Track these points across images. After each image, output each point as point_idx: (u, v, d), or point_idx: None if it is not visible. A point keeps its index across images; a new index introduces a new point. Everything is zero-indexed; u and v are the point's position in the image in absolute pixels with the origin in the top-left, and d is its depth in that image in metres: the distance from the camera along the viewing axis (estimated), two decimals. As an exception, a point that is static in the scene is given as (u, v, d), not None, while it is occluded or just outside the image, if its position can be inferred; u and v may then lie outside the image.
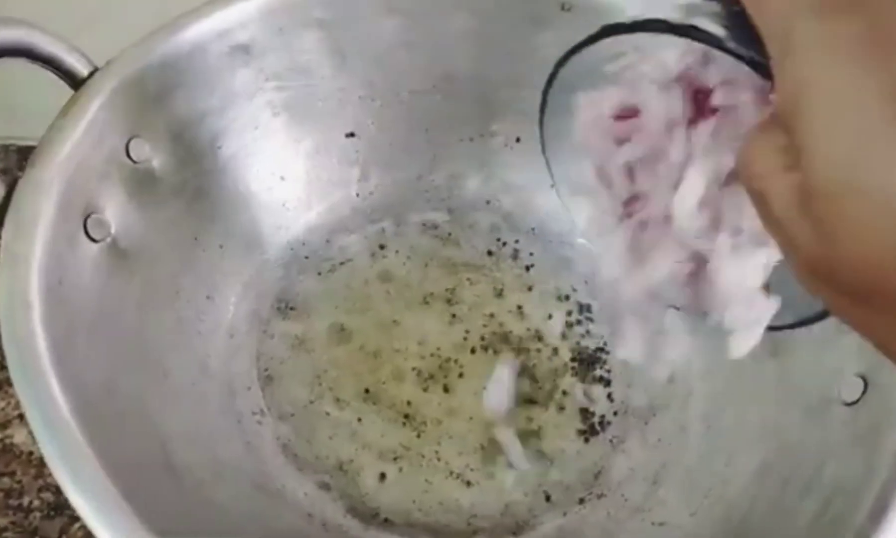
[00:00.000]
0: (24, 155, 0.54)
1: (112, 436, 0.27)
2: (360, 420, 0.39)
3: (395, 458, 0.38)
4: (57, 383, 0.26)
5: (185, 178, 0.39)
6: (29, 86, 0.42)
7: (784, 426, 0.35)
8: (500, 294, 0.45)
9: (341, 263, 0.45)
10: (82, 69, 0.34)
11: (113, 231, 0.34)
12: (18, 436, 0.43)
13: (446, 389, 0.40)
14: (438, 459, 0.38)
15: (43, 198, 0.30)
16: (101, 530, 0.24)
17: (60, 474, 0.24)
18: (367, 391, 0.40)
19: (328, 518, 0.35)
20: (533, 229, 0.48)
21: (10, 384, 0.43)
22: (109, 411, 0.29)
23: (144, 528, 0.25)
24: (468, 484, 0.38)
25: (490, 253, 0.46)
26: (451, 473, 0.38)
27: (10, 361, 0.26)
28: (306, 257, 0.45)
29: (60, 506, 0.41)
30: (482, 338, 0.43)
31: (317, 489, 0.37)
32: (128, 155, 0.36)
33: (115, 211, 0.34)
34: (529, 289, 0.45)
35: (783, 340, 0.37)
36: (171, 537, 0.25)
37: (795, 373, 0.36)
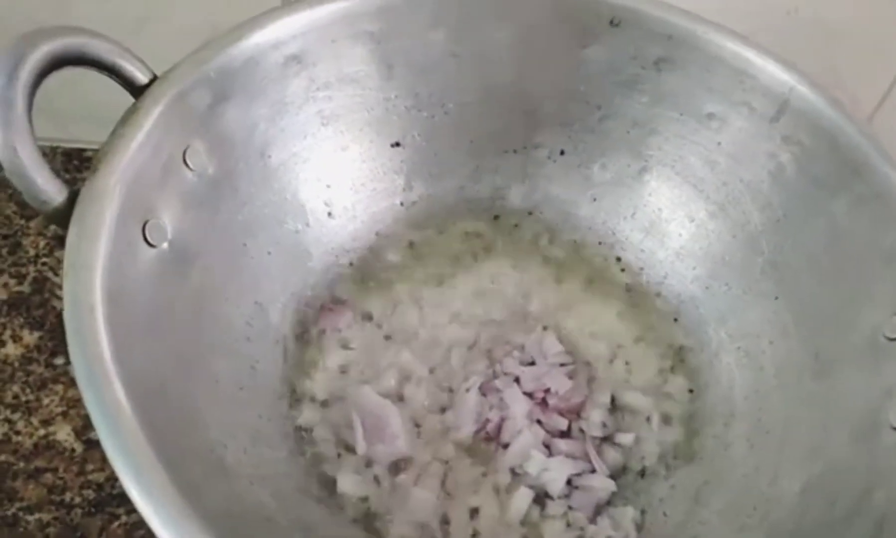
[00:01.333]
0: (69, 157, 0.55)
1: (167, 436, 0.27)
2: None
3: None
4: (118, 384, 0.27)
5: (237, 185, 0.40)
6: (74, 89, 0.43)
7: (830, 448, 0.35)
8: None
9: (384, 271, 0.45)
10: (142, 77, 0.35)
11: (169, 236, 0.34)
12: (61, 434, 0.44)
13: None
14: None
15: (106, 205, 0.31)
16: (161, 526, 0.24)
17: (122, 470, 0.25)
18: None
19: (371, 523, 0.36)
20: (575, 241, 0.48)
21: (54, 382, 0.45)
22: (164, 412, 0.29)
23: (202, 524, 0.25)
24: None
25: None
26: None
27: (76, 363, 0.27)
28: (350, 264, 0.45)
29: (102, 503, 0.41)
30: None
31: (360, 498, 0.37)
32: (185, 162, 0.36)
33: (171, 217, 0.35)
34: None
35: (830, 362, 0.37)
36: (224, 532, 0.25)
37: (842, 396, 0.36)
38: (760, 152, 0.42)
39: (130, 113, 0.34)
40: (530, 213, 0.48)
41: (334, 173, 0.45)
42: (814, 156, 0.40)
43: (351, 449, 0.39)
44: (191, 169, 0.36)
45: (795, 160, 0.41)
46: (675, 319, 0.45)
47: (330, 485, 0.37)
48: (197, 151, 0.36)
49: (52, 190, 0.31)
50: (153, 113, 0.34)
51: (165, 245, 0.34)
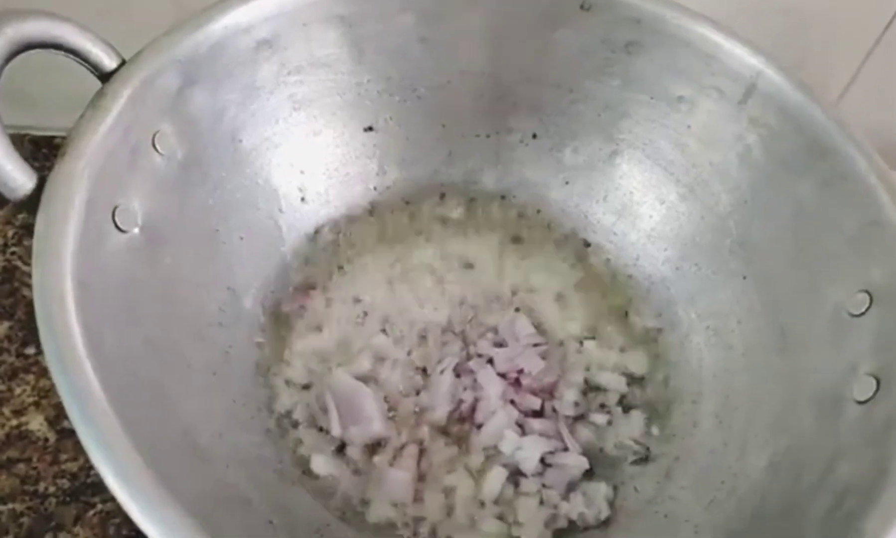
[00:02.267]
0: (37, 145, 0.54)
1: (142, 422, 0.27)
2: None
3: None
4: (91, 373, 0.26)
5: (207, 170, 0.39)
6: (42, 75, 0.43)
7: (795, 423, 0.35)
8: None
9: (358, 255, 0.45)
10: (110, 61, 0.34)
11: (140, 222, 0.34)
12: (34, 424, 0.43)
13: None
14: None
15: (74, 190, 0.30)
16: (139, 512, 0.24)
17: (97, 458, 0.25)
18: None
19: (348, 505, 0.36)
20: (548, 225, 0.48)
21: (25, 372, 0.44)
22: (137, 398, 0.29)
23: (180, 510, 0.25)
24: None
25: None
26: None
27: (48, 352, 0.26)
28: (324, 249, 0.45)
29: (76, 493, 0.41)
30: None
31: (336, 479, 0.37)
32: (154, 146, 0.36)
33: (141, 202, 0.34)
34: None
35: (795, 340, 0.38)
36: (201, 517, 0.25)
37: (807, 372, 0.36)
38: (729, 135, 0.43)
39: (98, 97, 0.33)
40: (503, 197, 0.48)
41: (307, 158, 0.45)
42: (780, 138, 0.41)
43: (326, 432, 0.39)
44: (160, 153, 0.36)
45: (762, 142, 0.41)
46: (646, 301, 0.45)
47: (307, 467, 0.38)
48: (166, 135, 0.36)
49: (21, 176, 0.30)
50: (121, 97, 0.33)
51: (136, 230, 0.34)
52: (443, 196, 0.48)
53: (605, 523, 0.37)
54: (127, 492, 0.24)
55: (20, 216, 0.51)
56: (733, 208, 0.43)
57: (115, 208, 0.33)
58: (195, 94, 0.38)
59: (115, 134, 0.33)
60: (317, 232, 0.45)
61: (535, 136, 0.48)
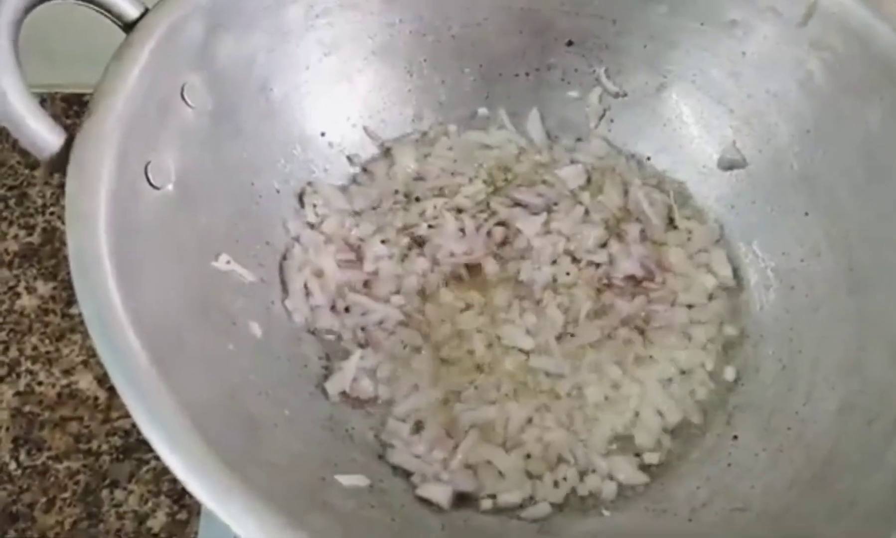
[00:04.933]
0: (68, 103, 0.54)
1: (187, 385, 0.27)
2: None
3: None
4: (133, 336, 0.26)
5: (239, 122, 0.38)
6: (69, 30, 0.42)
7: (867, 365, 0.34)
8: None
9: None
10: (132, 10, 0.33)
11: (173, 178, 0.33)
12: (83, 382, 0.44)
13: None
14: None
15: (104, 148, 0.29)
16: (192, 478, 0.24)
17: (145, 424, 0.24)
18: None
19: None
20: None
21: (72, 332, 0.45)
22: (181, 359, 0.29)
23: (222, 466, 0.24)
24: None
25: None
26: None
27: (87, 316, 0.26)
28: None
29: (129, 450, 0.42)
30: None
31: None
32: (183, 98, 0.34)
33: (173, 157, 0.33)
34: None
35: (865, 278, 0.36)
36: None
37: (879, 312, 0.35)
38: (788, 60, 0.40)
39: (123, 48, 0.32)
40: (546, 136, 0.46)
41: (339, 106, 0.43)
42: (845, 61, 0.38)
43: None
44: (190, 106, 0.35)
45: (825, 67, 0.39)
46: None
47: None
48: (195, 87, 0.35)
49: (48, 135, 0.30)
50: (146, 47, 0.32)
51: (170, 186, 0.33)
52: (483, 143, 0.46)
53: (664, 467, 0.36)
54: (178, 457, 0.24)
55: (56, 176, 0.49)
56: (793, 140, 0.40)
57: (148, 164, 0.32)
58: (222, 42, 0.36)
59: (143, 86, 0.32)
60: (353, 181, 0.44)
61: (576, 71, 0.45)
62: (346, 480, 0.31)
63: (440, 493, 0.33)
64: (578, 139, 0.46)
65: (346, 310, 0.39)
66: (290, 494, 0.28)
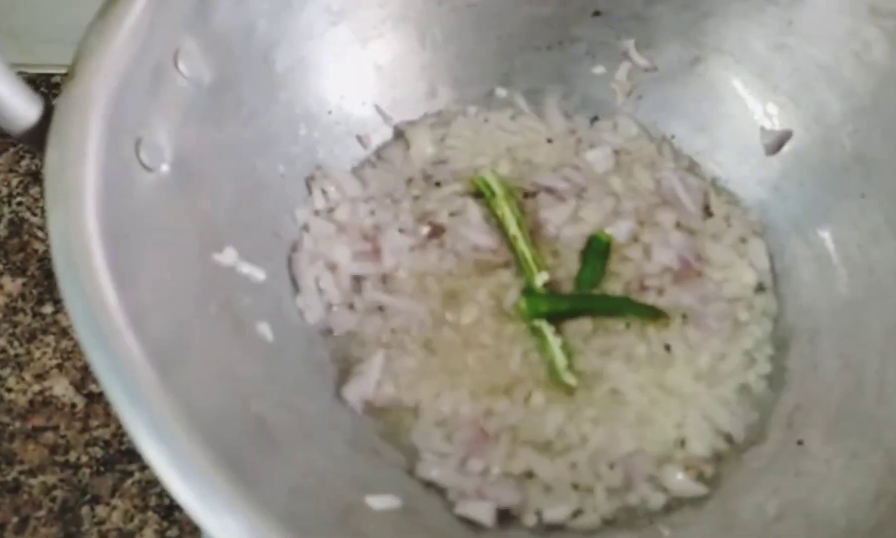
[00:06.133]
0: (35, 84, 0.50)
1: (195, 396, 0.23)
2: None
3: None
4: (133, 339, 0.22)
5: (240, 96, 0.35)
6: (31, 6, 0.41)
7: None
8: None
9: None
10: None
11: (168, 158, 0.29)
12: (58, 388, 0.41)
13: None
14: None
15: (90, 117, 0.26)
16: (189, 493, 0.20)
17: (148, 447, 0.20)
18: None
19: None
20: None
21: (44, 333, 0.42)
22: (186, 368, 0.25)
23: (241, 494, 0.21)
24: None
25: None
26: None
27: (76, 319, 0.22)
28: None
29: (111, 461, 0.39)
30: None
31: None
32: (176, 66, 0.31)
33: (169, 135, 0.30)
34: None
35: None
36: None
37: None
38: (841, 30, 0.37)
39: (109, 4, 0.28)
40: (569, 117, 0.43)
41: (348, 81, 0.40)
42: (908, 30, 0.35)
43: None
44: (184, 75, 0.31)
45: (887, 36, 0.36)
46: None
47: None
48: (190, 54, 0.31)
49: (22, 103, 0.26)
50: (136, 4, 0.28)
51: (165, 167, 0.29)
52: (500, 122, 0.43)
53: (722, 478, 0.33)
54: (193, 490, 0.20)
55: (23, 163, 0.48)
56: (846, 118, 0.38)
57: (139, 142, 0.28)
58: (219, 4, 0.33)
59: (132, 49, 0.28)
60: (362, 163, 0.40)
61: (603, 44, 0.42)
62: (377, 502, 0.28)
63: (483, 512, 0.30)
64: (604, 119, 0.43)
65: (364, 308, 0.36)
66: (319, 522, 0.24)
